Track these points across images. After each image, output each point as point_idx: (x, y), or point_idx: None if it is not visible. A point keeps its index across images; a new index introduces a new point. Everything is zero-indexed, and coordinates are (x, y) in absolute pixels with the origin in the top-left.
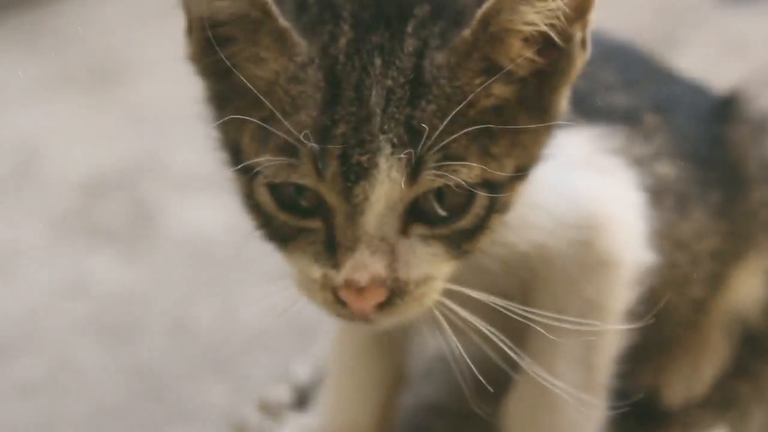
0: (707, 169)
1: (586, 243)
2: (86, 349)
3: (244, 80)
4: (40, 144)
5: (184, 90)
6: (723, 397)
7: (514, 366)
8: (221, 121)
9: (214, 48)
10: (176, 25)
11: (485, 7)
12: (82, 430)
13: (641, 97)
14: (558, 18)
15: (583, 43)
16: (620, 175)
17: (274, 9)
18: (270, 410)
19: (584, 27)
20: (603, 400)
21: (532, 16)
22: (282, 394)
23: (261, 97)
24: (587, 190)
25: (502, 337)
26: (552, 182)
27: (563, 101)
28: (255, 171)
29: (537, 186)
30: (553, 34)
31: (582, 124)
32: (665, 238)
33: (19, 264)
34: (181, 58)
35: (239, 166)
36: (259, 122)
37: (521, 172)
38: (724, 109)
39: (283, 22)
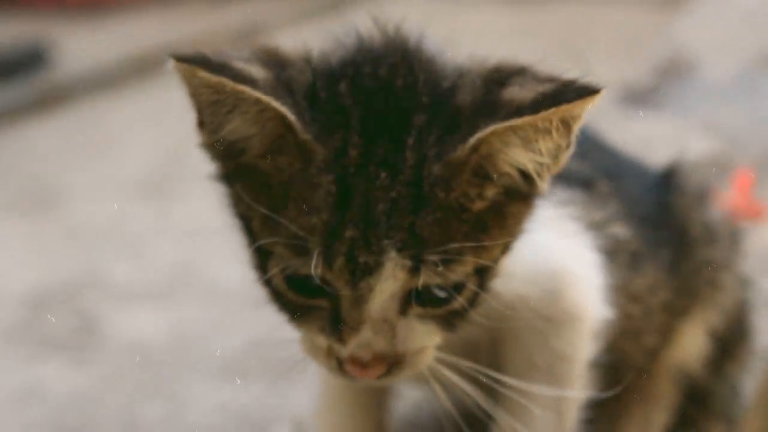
0: (656, 229)
1: (554, 299)
2: None
3: (265, 175)
4: None
5: (113, 211)
6: None
7: (490, 416)
8: (230, 196)
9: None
10: (102, 155)
11: (475, 138)
12: None
13: (594, 166)
14: (540, 164)
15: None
16: (580, 238)
17: (297, 124)
18: None
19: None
20: None
21: (519, 157)
22: None
23: (276, 192)
24: (554, 250)
25: (478, 393)
26: (523, 242)
27: (545, 185)
28: (267, 252)
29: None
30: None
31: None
32: (621, 292)
33: None
34: (108, 183)
35: (254, 246)
36: (266, 212)
37: (507, 250)
38: (666, 179)
39: (304, 134)
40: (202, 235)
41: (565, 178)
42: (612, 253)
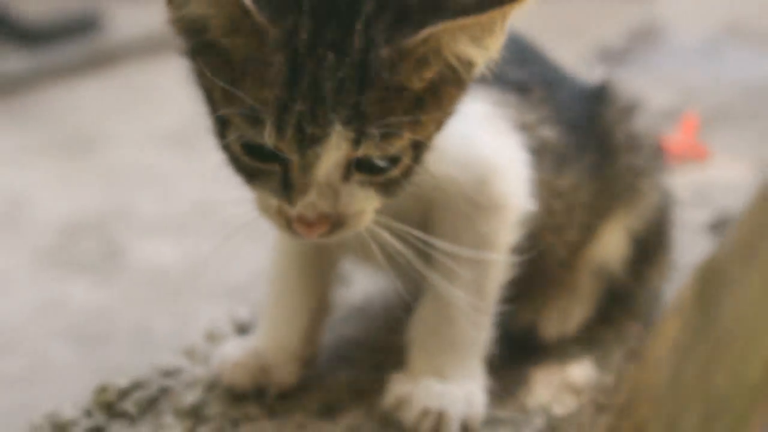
0: (583, 135)
1: (482, 185)
2: (62, 352)
3: (226, 51)
4: (26, 196)
5: (145, 156)
6: (590, 338)
7: (418, 294)
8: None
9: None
10: (141, 110)
11: (427, 32)
12: None
13: (531, 73)
14: (482, 55)
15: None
16: (511, 136)
17: (253, 8)
18: (215, 338)
19: None
20: (492, 320)
21: (466, 50)
22: (226, 326)
23: (233, 67)
24: (485, 141)
25: (411, 253)
26: (457, 129)
27: (479, 70)
28: (226, 121)
29: (446, 130)
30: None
31: (482, 88)
32: (545, 188)
33: (7, 287)
34: (144, 134)
35: (215, 115)
36: (225, 86)
37: (441, 128)
38: (598, 92)
39: (259, 16)
40: (220, 181)
41: (503, 82)
42: (539, 152)
